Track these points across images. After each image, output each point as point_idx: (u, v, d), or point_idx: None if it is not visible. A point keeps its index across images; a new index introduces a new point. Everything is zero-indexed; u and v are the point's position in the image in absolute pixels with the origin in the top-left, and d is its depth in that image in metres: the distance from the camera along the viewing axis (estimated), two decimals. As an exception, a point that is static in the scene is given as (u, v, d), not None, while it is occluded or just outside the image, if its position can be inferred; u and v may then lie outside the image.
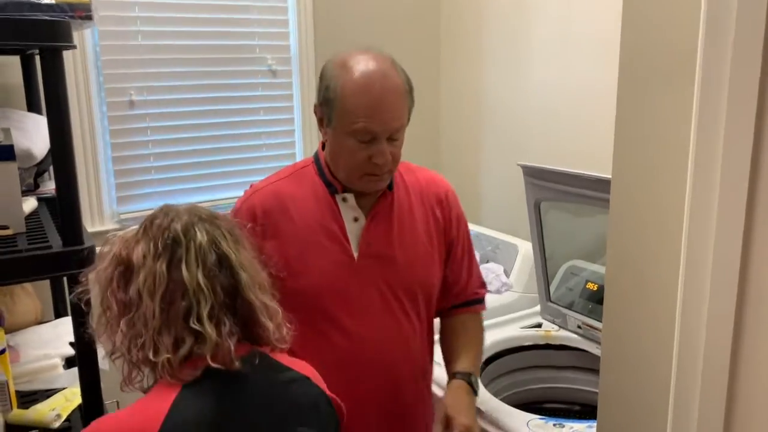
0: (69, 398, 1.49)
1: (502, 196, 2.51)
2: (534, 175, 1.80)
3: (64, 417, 1.42)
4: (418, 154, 2.81)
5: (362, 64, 1.18)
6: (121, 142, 2.20)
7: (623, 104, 0.91)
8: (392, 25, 2.66)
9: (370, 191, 1.29)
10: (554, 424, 1.41)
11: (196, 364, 0.91)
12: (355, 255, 1.28)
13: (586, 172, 1.66)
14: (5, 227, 1.33)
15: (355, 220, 1.29)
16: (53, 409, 1.43)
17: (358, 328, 1.29)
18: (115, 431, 0.87)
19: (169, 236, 0.94)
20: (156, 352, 0.90)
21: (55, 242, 1.27)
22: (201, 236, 0.95)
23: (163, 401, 0.88)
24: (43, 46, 1.15)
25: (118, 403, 2.24)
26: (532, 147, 2.32)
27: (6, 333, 1.79)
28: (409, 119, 1.25)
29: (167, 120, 2.27)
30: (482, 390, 1.60)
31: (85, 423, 1.31)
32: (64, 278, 1.24)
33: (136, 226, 1.02)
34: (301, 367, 1.05)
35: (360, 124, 1.17)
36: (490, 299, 2.01)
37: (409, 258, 1.31)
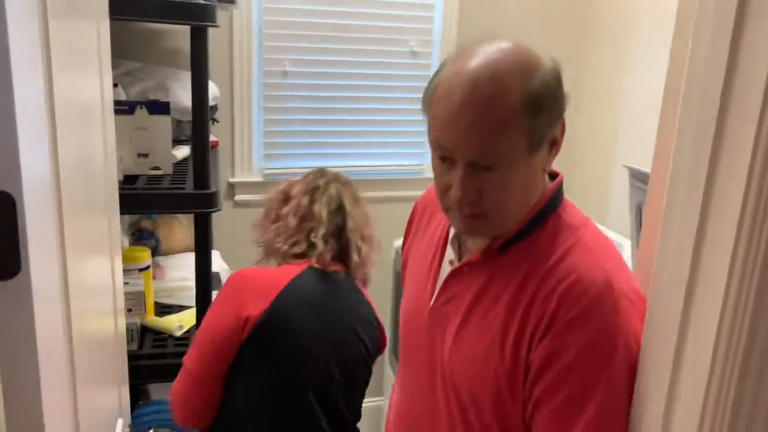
0: (194, 315, 1.80)
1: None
2: (639, 177, 1.79)
3: (185, 329, 1.73)
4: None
5: (469, 60, 0.88)
6: (273, 107, 2.50)
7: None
8: (543, 15, 2.68)
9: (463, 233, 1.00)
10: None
11: (305, 263, 1.43)
12: (430, 304, 1.02)
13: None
14: (158, 168, 1.64)
15: (450, 262, 1.02)
16: (179, 321, 1.75)
17: (407, 388, 1.11)
18: (255, 278, 1.39)
19: (314, 185, 1.52)
20: (284, 244, 1.46)
21: (190, 185, 1.55)
22: (333, 190, 1.51)
23: (290, 271, 1.40)
24: (193, 25, 1.41)
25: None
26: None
27: (161, 255, 2.18)
28: (533, 148, 0.88)
29: (314, 90, 2.53)
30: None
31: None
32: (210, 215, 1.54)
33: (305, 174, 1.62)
34: (368, 295, 1.52)
35: (434, 134, 0.91)
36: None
37: (467, 350, 0.95)
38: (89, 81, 0.94)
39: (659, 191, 0.96)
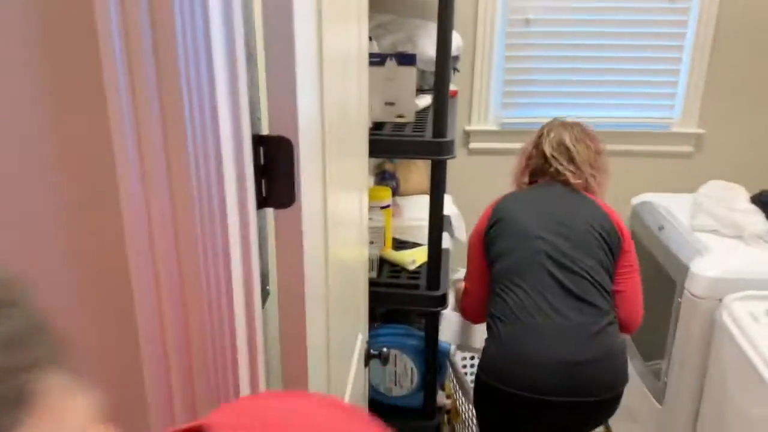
0: (426, 254, 1.95)
1: None
2: None
3: (418, 263, 1.89)
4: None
5: None
6: (514, 55, 2.51)
7: None
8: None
9: None
10: None
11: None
12: None
13: None
14: (402, 116, 1.79)
15: None
16: (413, 257, 1.91)
17: None
18: None
19: (541, 131, 1.86)
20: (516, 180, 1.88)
21: (428, 134, 1.66)
22: (554, 134, 1.81)
23: None
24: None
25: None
26: None
27: (399, 196, 2.37)
28: None
29: (557, 38, 2.48)
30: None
31: (428, 273, 1.76)
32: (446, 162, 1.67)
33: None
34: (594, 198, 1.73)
35: None
36: None
37: None
38: (349, 33, 1.07)
39: None
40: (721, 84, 2.50)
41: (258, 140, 0.67)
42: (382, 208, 1.87)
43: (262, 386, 0.76)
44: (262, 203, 0.69)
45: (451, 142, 1.62)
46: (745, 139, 2.57)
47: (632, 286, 1.68)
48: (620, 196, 2.43)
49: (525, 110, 2.60)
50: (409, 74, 1.73)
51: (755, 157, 2.56)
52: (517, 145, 2.59)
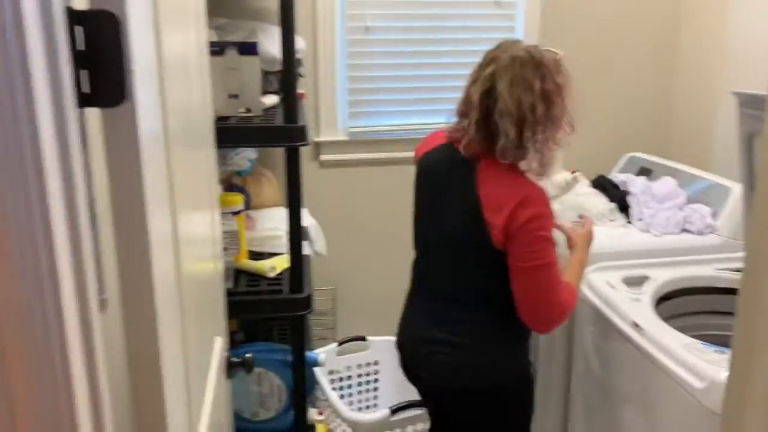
0: (286, 261, 1.82)
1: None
2: (751, 104, 1.66)
3: (278, 271, 1.75)
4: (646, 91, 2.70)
5: None
6: (356, 64, 2.49)
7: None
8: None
9: None
10: (715, 350, 1.35)
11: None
12: None
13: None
14: (248, 110, 1.67)
15: None
16: (272, 264, 1.77)
17: None
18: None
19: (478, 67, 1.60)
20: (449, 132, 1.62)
21: (279, 122, 1.56)
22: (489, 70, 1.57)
23: None
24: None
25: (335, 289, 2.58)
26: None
27: (251, 209, 2.23)
28: None
29: (395, 45, 2.50)
30: (648, 310, 1.58)
31: (292, 275, 1.63)
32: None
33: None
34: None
35: None
36: (688, 239, 1.92)
37: None
38: (187, 27, 0.95)
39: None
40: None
41: (73, 17, 0.52)
42: (234, 213, 1.72)
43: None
44: (84, 101, 0.54)
45: (304, 128, 1.52)
46: (576, 134, 2.75)
47: (521, 284, 1.42)
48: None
49: (371, 119, 2.59)
50: (253, 64, 1.63)
51: (587, 149, 2.74)
52: (368, 155, 2.58)
